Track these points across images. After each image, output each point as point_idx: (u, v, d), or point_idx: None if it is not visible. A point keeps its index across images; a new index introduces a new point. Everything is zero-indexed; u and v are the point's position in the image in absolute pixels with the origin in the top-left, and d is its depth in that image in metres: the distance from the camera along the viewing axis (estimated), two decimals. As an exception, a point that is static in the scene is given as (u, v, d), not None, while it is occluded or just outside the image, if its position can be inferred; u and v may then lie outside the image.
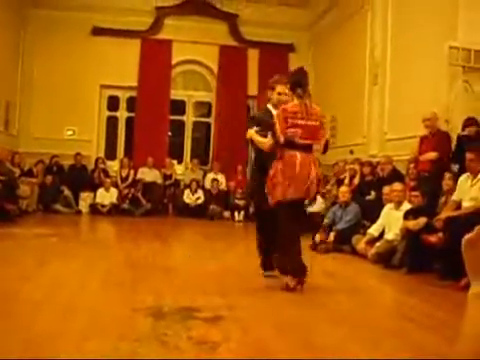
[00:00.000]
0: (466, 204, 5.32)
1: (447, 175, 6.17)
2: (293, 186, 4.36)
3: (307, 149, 4.48)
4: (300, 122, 4.39)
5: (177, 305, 3.65)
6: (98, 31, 12.33)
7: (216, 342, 2.84)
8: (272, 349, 2.83)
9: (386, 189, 7.01)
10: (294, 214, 4.45)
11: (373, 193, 8.09)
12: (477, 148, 5.43)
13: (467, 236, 0.90)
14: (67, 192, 11.28)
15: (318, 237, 7.35)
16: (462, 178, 5.53)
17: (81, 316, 3.30)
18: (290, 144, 4.41)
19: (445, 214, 5.38)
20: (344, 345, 2.97)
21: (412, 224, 5.76)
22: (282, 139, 4.38)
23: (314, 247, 7.20)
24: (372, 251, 6.40)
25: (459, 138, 6.67)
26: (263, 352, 2.77)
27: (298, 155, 4.40)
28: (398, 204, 6.50)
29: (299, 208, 4.66)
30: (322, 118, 4.58)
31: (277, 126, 4.40)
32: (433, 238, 5.25)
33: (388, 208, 6.67)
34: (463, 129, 6.61)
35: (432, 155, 6.83)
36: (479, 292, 0.88)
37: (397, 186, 6.65)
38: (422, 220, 5.68)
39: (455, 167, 6.71)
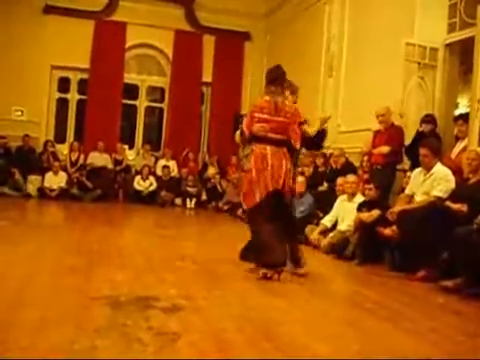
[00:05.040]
0: (418, 198, 5.42)
1: (407, 173, 6.29)
2: (263, 182, 4.54)
3: (278, 143, 4.67)
4: (266, 117, 4.63)
5: (134, 294, 3.58)
6: (50, 9, 11.91)
7: (177, 333, 2.79)
8: (234, 340, 2.81)
9: (340, 180, 7.08)
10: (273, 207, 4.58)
11: (325, 184, 8.18)
12: (430, 144, 5.54)
13: None
14: (18, 175, 10.91)
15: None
16: (415, 172, 5.63)
17: (33, 306, 3.15)
18: (259, 138, 4.65)
19: (398, 207, 5.47)
20: (304, 336, 2.98)
21: (366, 216, 5.85)
22: (247, 133, 4.66)
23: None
24: (325, 242, 6.48)
25: (417, 134, 6.78)
26: (225, 343, 2.74)
27: (268, 148, 4.62)
28: (351, 196, 6.60)
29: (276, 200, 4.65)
30: (295, 117, 4.80)
31: (244, 121, 4.71)
32: (387, 231, 5.34)
33: (341, 199, 6.76)
34: (421, 125, 6.73)
35: (385, 149, 6.93)
36: None
37: (351, 178, 6.75)
38: (376, 212, 5.78)
39: (408, 162, 6.86)
